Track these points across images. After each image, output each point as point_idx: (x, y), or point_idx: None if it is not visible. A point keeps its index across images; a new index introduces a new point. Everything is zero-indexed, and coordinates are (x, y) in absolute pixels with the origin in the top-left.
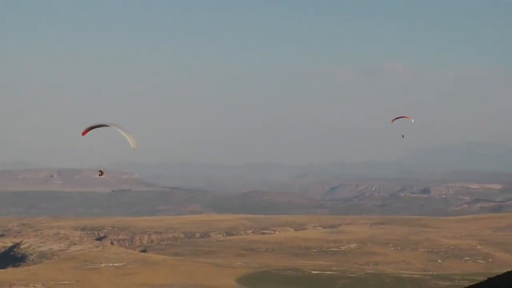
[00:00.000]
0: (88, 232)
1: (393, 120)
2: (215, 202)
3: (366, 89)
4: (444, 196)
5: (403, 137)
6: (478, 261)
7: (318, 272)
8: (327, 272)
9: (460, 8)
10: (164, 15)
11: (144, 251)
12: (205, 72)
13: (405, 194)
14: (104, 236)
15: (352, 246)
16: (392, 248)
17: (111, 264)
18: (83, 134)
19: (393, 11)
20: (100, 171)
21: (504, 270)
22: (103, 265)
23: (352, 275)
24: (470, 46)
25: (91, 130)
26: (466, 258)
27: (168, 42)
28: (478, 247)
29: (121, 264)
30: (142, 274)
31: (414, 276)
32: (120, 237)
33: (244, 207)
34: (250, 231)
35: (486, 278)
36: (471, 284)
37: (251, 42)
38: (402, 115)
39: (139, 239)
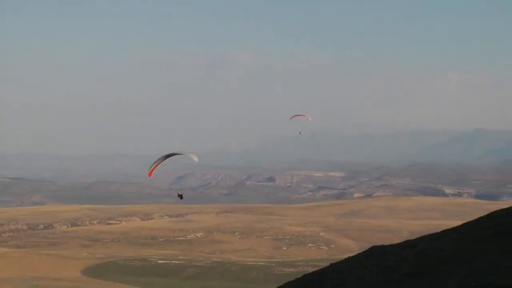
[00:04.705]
0: None
1: (292, 118)
2: (59, 192)
3: (213, 78)
4: (288, 184)
5: (300, 133)
6: (321, 247)
7: (164, 261)
8: (173, 261)
9: None
10: None
11: None
12: (52, 59)
13: (251, 182)
14: None
15: (198, 235)
16: (238, 236)
17: None
18: (149, 175)
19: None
20: (180, 195)
21: (346, 255)
22: None
23: (198, 264)
24: (313, 36)
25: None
26: (310, 244)
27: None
28: (321, 233)
29: None
30: None
31: (259, 263)
32: None
33: (89, 198)
34: (96, 222)
35: (328, 264)
36: (314, 270)
37: (102, 29)
38: (300, 114)
39: None
